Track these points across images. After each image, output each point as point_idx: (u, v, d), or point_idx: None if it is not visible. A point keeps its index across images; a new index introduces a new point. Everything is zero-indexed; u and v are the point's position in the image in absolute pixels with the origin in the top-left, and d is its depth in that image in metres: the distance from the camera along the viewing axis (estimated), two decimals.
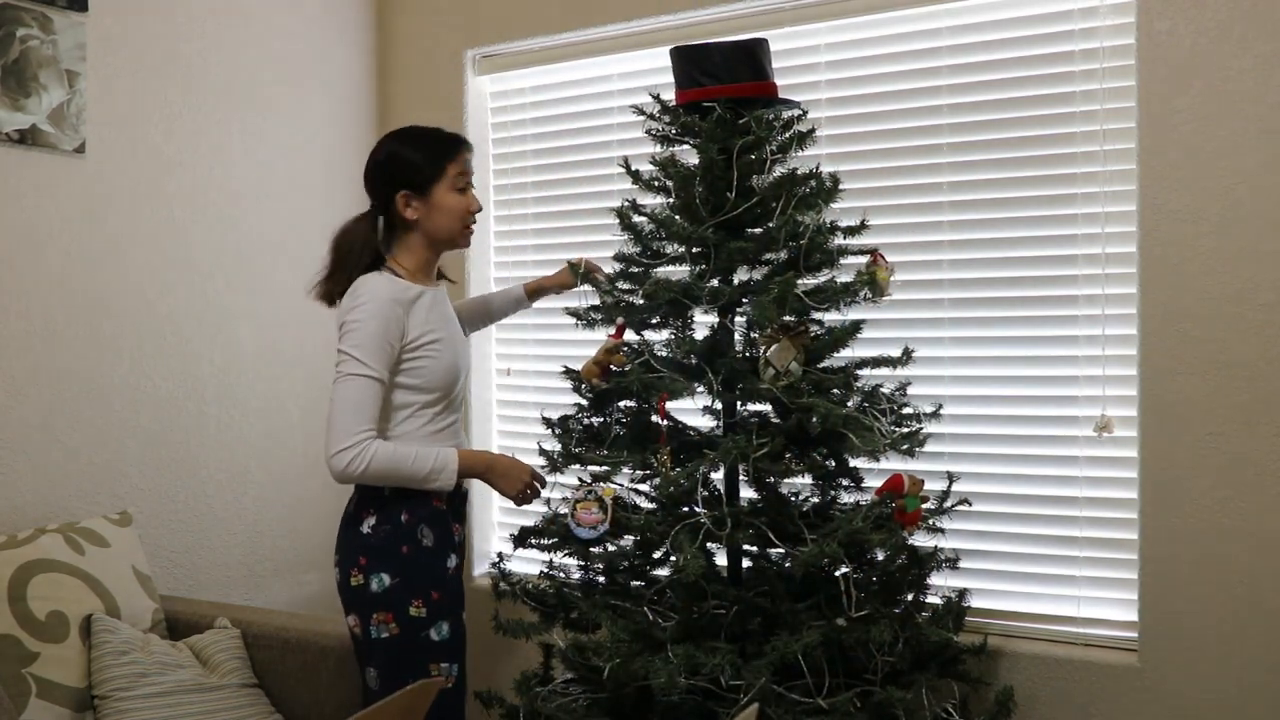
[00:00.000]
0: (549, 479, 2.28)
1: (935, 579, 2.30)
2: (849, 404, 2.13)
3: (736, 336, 2.19)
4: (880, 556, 2.16)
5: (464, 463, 2.10)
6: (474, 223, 2.17)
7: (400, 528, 2.07)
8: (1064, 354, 2.45)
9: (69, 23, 2.53)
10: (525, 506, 2.29)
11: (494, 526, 3.31)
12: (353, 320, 2.02)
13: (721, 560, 2.20)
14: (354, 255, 2.11)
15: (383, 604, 2.06)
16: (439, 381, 2.10)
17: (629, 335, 2.25)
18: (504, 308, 2.55)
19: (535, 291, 2.51)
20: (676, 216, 2.19)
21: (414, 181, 2.10)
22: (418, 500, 2.09)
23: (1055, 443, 2.46)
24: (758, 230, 2.18)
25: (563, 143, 3.14)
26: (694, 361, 2.14)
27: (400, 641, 2.05)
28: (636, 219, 2.25)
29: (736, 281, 2.18)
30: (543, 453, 2.29)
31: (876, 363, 2.23)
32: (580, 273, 2.33)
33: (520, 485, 2.15)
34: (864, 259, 2.22)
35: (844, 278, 2.18)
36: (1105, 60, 2.38)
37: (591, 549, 2.18)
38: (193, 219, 2.85)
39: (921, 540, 2.26)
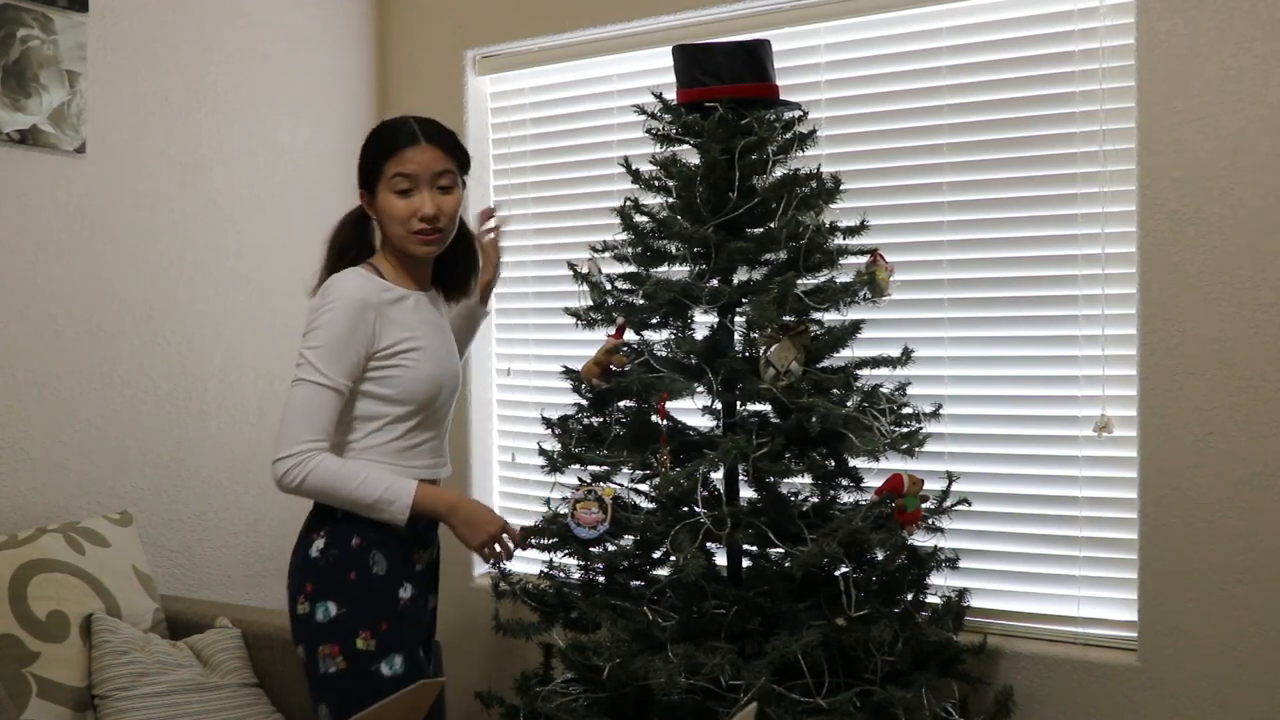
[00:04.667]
0: (552, 478, 2.27)
1: (935, 579, 2.30)
2: (849, 404, 2.13)
3: (736, 336, 2.19)
4: (880, 556, 2.16)
5: (421, 498, 1.88)
6: (427, 230, 1.92)
7: (349, 552, 1.90)
8: (1064, 354, 2.45)
9: (69, 23, 2.54)
10: (513, 555, 2.03)
11: None
12: (318, 321, 1.86)
13: (721, 560, 2.20)
14: (346, 251, 2.01)
15: (328, 635, 1.87)
16: (413, 394, 1.92)
17: (629, 335, 2.25)
18: (464, 329, 2.27)
19: (483, 291, 2.27)
20: (678, 216, 2.20)
21: (364, 180, 1.99)
22: (371, 523, 1.90)
23: (1055, 443, 2.46)
24: (758, 230, 2.18)
25: (563, 143, 3.14)
26: (694, 361, 2.15)
27: (348, 676, 1.86)
28: (638, 218, 2.26)
29: (736, 281, 2.18)
30: (542, 453, 2.29)
31: (876, 363, 2.23)
32: (584, 275, 2.32)
33: (485, 537, 1.93)
34: (864, 259, 2.22)
35: (844, 278, 2.18)
36: (1105, 60, 2.38)
37: (591, 549, 2.18)
38: (193, 219, 2.85)
39: (921, 540, 2.26)
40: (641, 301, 2.21)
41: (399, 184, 1.91)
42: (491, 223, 2.25)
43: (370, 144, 1.97)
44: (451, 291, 2.14)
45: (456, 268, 2.12)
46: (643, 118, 2.30)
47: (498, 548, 1.95)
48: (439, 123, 1.98)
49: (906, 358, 2.25)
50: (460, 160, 1.97)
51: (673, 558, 2.05)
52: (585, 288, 2.31)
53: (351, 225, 2.04)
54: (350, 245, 2.02)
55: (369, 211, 2.01)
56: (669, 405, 2.13)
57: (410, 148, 1.91)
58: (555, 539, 2.22)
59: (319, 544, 1.92)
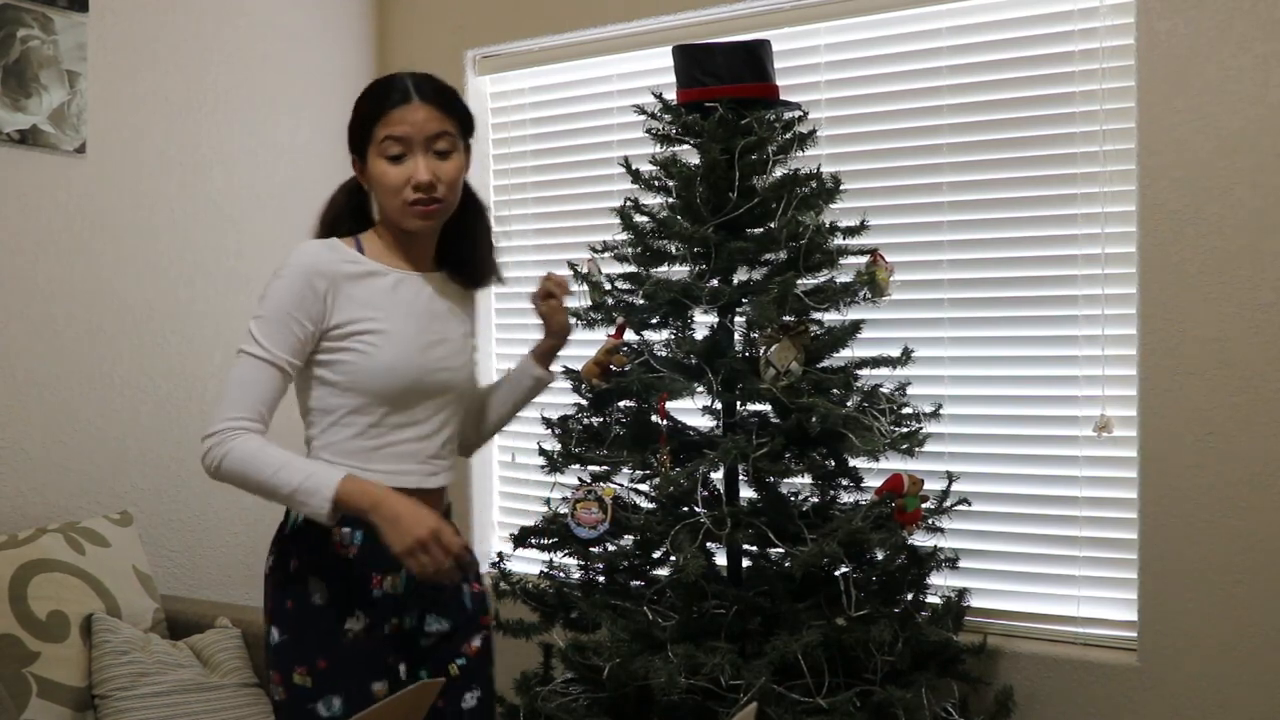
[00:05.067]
0: (552, 478, 2.27)
1: (935, 579, 2.30)
2: (849, 404, 2.13)
3: (736, 336, 2.19)
4: (880, 556, 2.16)
5: (345, 492, 1.57)
6: (423, 200, 1.66)
7: (287, 576, 1.70)
8: (1064, 354, 2.45)
9: (70, 23, 2.54)
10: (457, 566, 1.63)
11: (494, 526, 3.32)
12: (266, 291, 1.67)
13: (721, 560, 2.20)
14: (338, 224, 1.77)
15: (274, 661, 1.70)
16: (365, 384, 1.66)
17: (629, 335, 2.25)
18: (517, 390, 1.98)
19: (546, 355, 1.97)
20: (678, 216, 2.20)
21: (354, 144, 1.74)
22: (313, 541, 1.68)
23: (1055, 443, 2.46)
24: (758, 230, 2.18)
25: (563, 143, 3.14)
26: (694, 361, 2.15)
27: (286, 710, 1.68)
28: (638, 218, 2.26)
29: (736, 281, 2.19)
30: (542, 453, 2.29)
31: (876, 363, 2.23)
32: (584, 275, 2.32)
33: (410, 542, 1.55)
34: (864, 259, 2.22)
35: (844, 278, 2.19)
36: (1105, 60, 2.38)
37: (591, 549, 2.18)
38: (193, 219, 2.85)
39: (921, 540, 2.26)
40: (641, 301, 2.21)
41: (390, 148, 1.66)
42: (553, 289, 1.93)
43: (359, 104, 1.73)
44: (462, 273, 1.82)
45: (465, 245, 1.81)
46: (643, 118, 2.30)
47: (425, 558, 1.56)
48: (436, 78, 1.73)
49: (906, 358, 2.25)
50: (461, 120, 1.72)
51: (673, 558, 2.05)
52: (585, 288, 2.31)
53: (345, 196, 1.80)
54: (343, 218, 1.78)
55: (361, 180, 1.77)
56: (669, 405, 2.13)
57: (401, 107, 1.66)
58: (555, 539, 2.22)
59: (269, 561, 1.75)
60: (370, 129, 1.69)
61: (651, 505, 2.20)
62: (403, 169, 1.66)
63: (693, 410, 2.27)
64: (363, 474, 1.64)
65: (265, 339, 1.64)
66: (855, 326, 2.19)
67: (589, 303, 2.28)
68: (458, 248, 1.81)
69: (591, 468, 2.22)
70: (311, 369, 1.69)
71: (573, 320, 2.24)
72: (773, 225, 2.14)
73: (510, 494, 3.29)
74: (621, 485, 2.21)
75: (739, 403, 2.17)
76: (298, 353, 1.66)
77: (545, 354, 1.96)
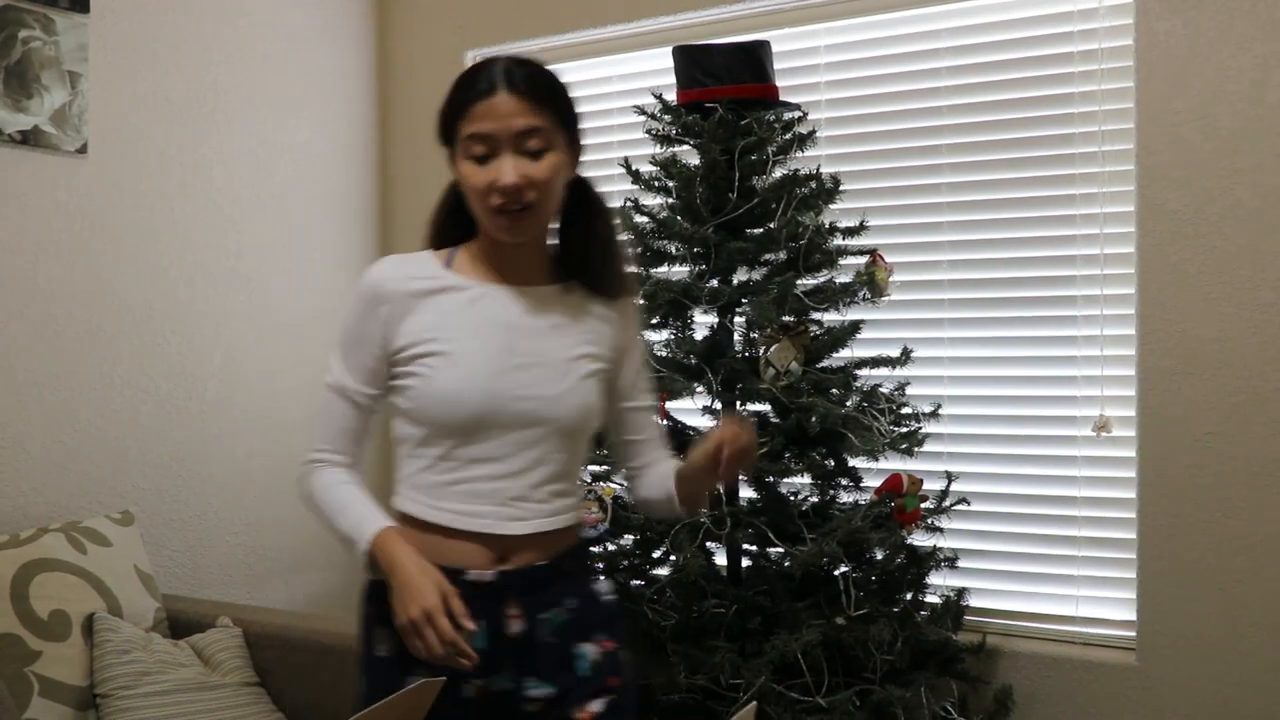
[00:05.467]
0: None
1: (934, 578, 2.31)
2: (848, 404, 2.14)
3: (736, 336, 2.20)
4: (879, 556, 2.17)
5: (376, 546, 1.45)
6: (508, 204, 1.43)
7: (362, 622, 1.58)
8: (1063, 354, 2.46)
9: (71, 24, 2.54)
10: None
11: None
12: (345, 313, 1.57)
13: (721, 559, 2.20)
14: (445, 231, 1.58)
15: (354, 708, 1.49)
16: (427, 411, 1.48)
17: None
18: (688, 485, 1.59)
19: (690, 480, 1.56)
20: (678, 217, 2.20)
21: (445, 140, 1.51)
22: (382, 586, 1.48)
23: (1054, 442, 2.47)
24: (758, 231, 2.18)
25: None
26: (694, 361, 2.15)
27: None
28: (638, 219, 2.26)
29: (736, 282, 2.19)
30: None
31: (875, 363, 2.24)
32: None
33: (404, 618, 1.39)
34: (863, 259, 2.23)
35: (843, 278, 2.19)
36: (1104, 61, 2.39)
37: (591, 549, 2.19)
38: (194, 219, 2.85)
39: (920, 539, 2.27)
40: (642, 302, 2.22)
41: (473, 147, 1.44)
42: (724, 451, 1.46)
43: (448, 96, 1.49)
44: (586, 283, 1.56)
45: (583, 251, 1.56)
46: (643, 118, 2.31)
47: (415, 640, 1.37)
48: (533, 63, 1.48)
49: (906, 358, 2.26)
50: (560, 113, 1.47)
51: (673, 557, 2.06)
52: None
53: (453, 198, 1.57)
54: (450, 224, 1.58)
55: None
56: (669, 405, 2.14)
57: (485, 99, 1.42)
58: None
59: (361, 598, 1.59)
60: (455, 125, 1.47)
61: None
62: (487, 171, 1.43)
63: (693, 410, 2.27)
64: (434, 511, 1.49)
65: (337, 367, 1.55)
66: (855, 326, 2.19)
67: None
68: (576, 254, 1.56)
69: (591, 468, 2.22)
70: (392, 396, 1.55)
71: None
72: (772, 225, 2.15)
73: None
74: (621, 485, 2.22)
75: (739, 403, 2.17)
76: (369, 381, 1.53)
77: (695, 478, 1.54)
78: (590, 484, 2.14)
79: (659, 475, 1.61)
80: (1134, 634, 2.36)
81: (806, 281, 2.16)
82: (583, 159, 1.53)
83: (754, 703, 1.09)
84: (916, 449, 2.21)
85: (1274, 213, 2.17)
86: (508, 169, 1.41)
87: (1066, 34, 2.43)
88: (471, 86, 1.45)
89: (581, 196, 1.55)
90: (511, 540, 1.49)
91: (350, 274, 3.29)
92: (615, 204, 2.34)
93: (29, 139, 2.46)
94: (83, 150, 2.58)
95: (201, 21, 2.87)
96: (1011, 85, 2.49)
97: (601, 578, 1.62)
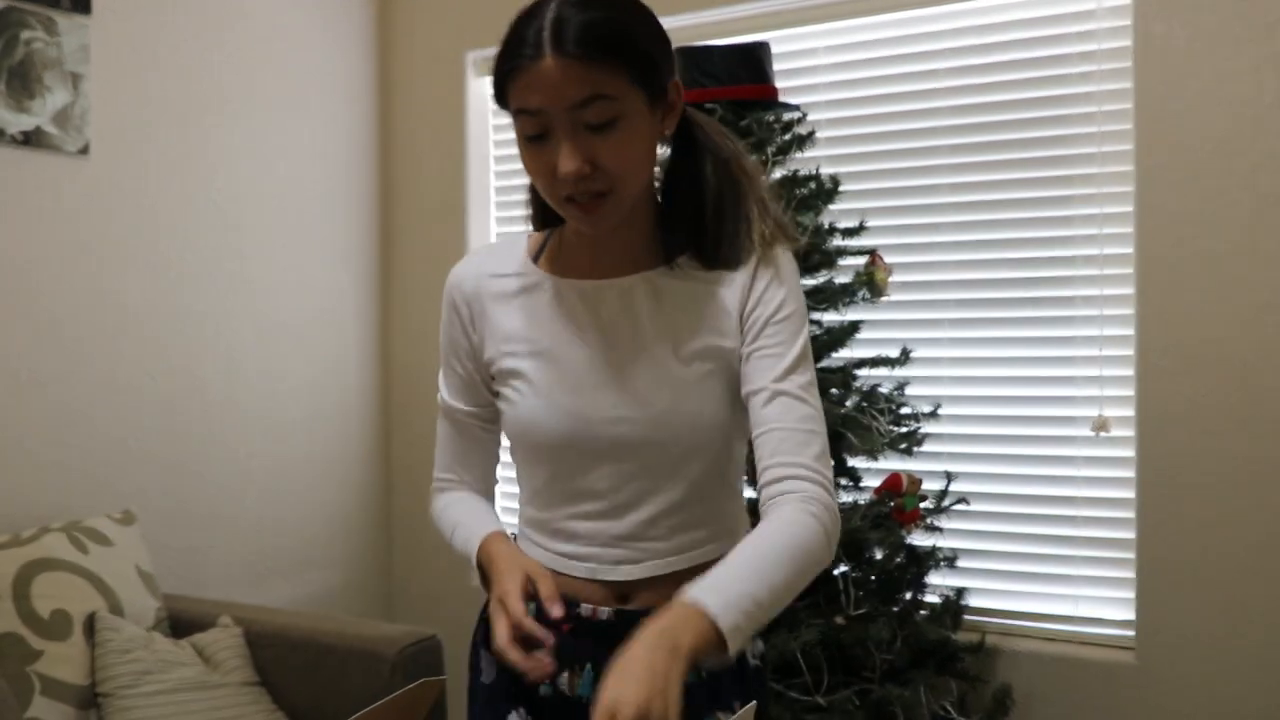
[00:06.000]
0: None
1: (933, 577, 2.31)
2: (847, 404, 2.14)
3: None
4: (879, 555, 2.17)
5: (482, 553, 1.25)
6: (575, 193, 1.13)
7: (473, 643, 1.39)
8: (1061, 354, 2.46)
9: (73, 25, 2.55)
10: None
11: None
12: None
13: None
14: (539, 209, 1.32)
15: None
16: (514, 442, 1.29)
17: None
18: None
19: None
20: None
21: (502, 105, 1.18)
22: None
23: (1053, 442, 2.47)
24: None
25: None
26: None
27: None
28: None
29: None
30: None
31: (875, 362, 2.25)
32: None
33: (491, 601, 1.19)
34: (862, 259, 2.23)
35: (843, 278, 2.20)
36: (1102, 62, 2.39)
37: None
38: (196, 220, 2.86)
39: (920, 539, 2.27)
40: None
41: (525, 125, 1.14)
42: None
43: (497, 54, 1.15)
44: (701, 251, 1.23)
45: (702, 210, 1.22)
46: None
47: (497, 625, 1.13)
48: (593, 8, 1.12)
49: (905, 358, 2.26)
50: (634, 66, 1.12)
51: None
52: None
53: None
54: (535, 205, 1.33)
55: None
56: None
57: (530, 65, 1.09)
58: None
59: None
60: (504, 97, 1.16)
61: None
62: (545, 153, 1.13)
63: None
64: (543, 552, 1.28)
65: (440, 384, 1.35)
66: (854, 326, 2.20)
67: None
68: (685, 218, 1.23)
69: None
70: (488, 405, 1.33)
71: None
72: None
73: (510, 494, 3.29)
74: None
75: None
76: (466, 396, 1.32)
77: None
78: None
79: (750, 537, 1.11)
80: (1133, 633, 2.36)
81: (806, 282, 2.17)
82: (679, 100, 1.20)
83: (754, 702, 1.09)
84: (915, 449, 2.22)
85: (1272, 213, 2.18)
86: (565, 152, 1.11)
87: (1065, 35, 2.43)
88: (513, 47, 1.12)
89: (687, 141, 1.23)
90: (610, 588, 1.23)
91: (350, 274, 3.30)
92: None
93: (31, 140, 2.47)
94: (84, 151, 2.58)
95: (203, 22, 2.88)
96: (1010, 86, 2.50)
97: (757, 640, 1.28)
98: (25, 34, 2.45)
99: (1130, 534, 2.36)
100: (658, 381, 1.19)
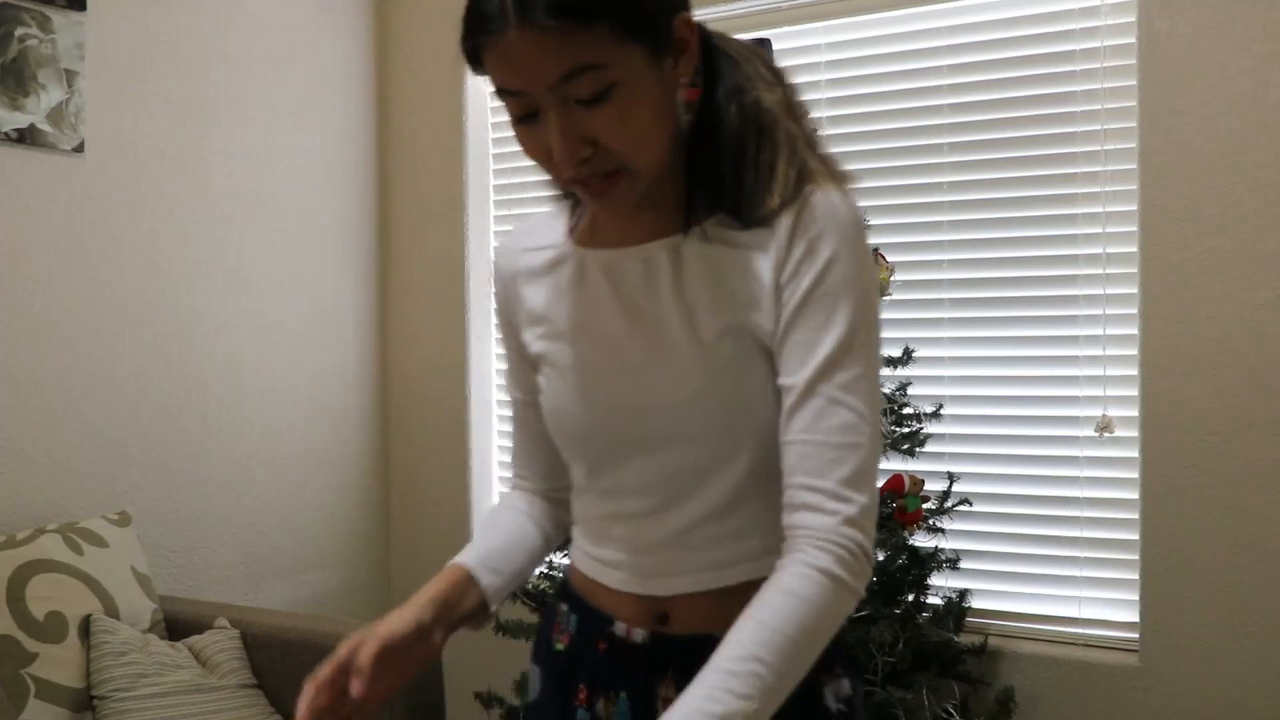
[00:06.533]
0: None
1: (936, 579, 2.30)
2: None
3: None
4: (880, 557, 2.16)
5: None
6: (580, 175, 0.99)
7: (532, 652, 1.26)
8: (1065, 354, 2.45)
9: (68, 22, 2.53)
10: None
11: None
12: None
13: None
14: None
15: None
16: (549, 428, 1.14)
17: None
18: None
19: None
20: None
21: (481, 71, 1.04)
22: (546, 616, 1.22)
23: (1056, 443, 2.46)
24: None
25: None
26: None
27: None
28: None
29: None
30: None
31: None
32: None
33: None
34: None
35: None
36: (1106, 60, 2.38)
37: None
38: (192, 218, 2.84)
39: (922, 540, 2.26)
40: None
41: (511, 106, 0.99)
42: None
43: (462, 25, 1.02)
44: (728, 207, 1.03)
45: (722, 158, 1.03)
46: None
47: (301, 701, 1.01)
48: None
49: (907, 358, 2.24)
50: (619, 16, 0.92)
51: None
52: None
53: None
54: None
55: None
56: None
57: (497, 40, 0.94)
58: None
59: None
60: (480, 68, 1.00)
61: None
62: (538, 135, 0.99)
63: None
64: (583, 557, 1.15)
65: (508, 368, 1.23)
66: None
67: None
68: (708, 170, 1.04)
69: None
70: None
71: None
72: None
73: None
74: None
75: None
76: (519, 383, 1.20)
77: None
78: None
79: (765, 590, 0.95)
80: (1136, 635, 2.35)
81: None
82: (692, 36, 1.00)
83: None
84: (918, 449, 2.20)
85: (1276, 211, 2.17)
86: (555, 134, 0.96)
87: (1068, 32, 2.42)
88: (474, 17, 0.98)
89: (709, 79, 1.05)
90: (648, 603, 1.08)
91: (348, 274, 3.28)
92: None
93: (25, 137, 2.45)
94: (79, 149, 2.57)
95: (200, 20, 2.87)
96: (1013, 84, 2.48)
97: (836, 669, 1.07)
98: (20, 30, 2.43)
99: (1134, 535, 2.35)
100: (683, 365, 1.02)
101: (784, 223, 0.98)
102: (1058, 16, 2.43)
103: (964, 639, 2.29)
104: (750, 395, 1.01)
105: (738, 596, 0.97)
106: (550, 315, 1.12)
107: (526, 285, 1.15)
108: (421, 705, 2.26)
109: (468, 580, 1.11)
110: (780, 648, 0.90)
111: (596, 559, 1.12)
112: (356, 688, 0.98)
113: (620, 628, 1.09)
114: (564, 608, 1.17)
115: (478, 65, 0.99)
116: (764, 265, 0.99)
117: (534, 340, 1.14)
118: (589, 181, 0.99)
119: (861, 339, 0.97)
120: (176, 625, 2.45)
